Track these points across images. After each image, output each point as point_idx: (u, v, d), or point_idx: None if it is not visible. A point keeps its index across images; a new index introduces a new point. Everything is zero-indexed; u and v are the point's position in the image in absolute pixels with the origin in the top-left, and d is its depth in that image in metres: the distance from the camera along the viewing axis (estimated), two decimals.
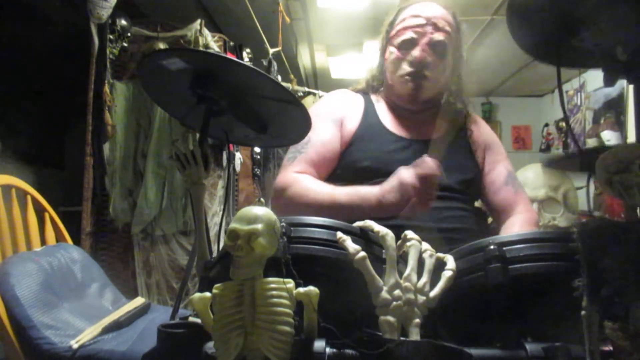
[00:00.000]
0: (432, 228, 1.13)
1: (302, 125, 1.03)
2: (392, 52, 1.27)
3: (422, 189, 0.98)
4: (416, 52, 1.22)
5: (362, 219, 1.08)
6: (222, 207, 2.58)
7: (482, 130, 1.38)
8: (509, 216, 1.27)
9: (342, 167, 1.26)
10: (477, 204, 1.37)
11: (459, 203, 1.22)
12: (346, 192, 1.10)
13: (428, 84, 1.24)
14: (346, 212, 1.09)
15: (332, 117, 1.29)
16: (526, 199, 1.32)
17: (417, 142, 1.26)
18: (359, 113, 1.32)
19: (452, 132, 1.31)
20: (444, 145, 1.11)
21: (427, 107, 1.31)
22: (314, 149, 1.23)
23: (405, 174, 1.00)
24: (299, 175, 1.20)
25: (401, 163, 1.20)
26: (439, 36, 1.22)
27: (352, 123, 1.29)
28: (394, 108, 1.33)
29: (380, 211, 1.03)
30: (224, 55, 0.95)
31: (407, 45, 1.24)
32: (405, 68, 1.24)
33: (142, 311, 1.56)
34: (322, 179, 1.23)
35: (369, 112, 1.32)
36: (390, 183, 1.03)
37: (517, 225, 1.22)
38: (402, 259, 0.65)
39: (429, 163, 0.99)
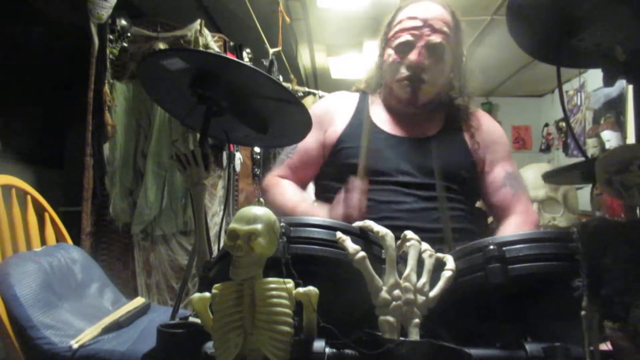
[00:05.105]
0: (431, 228, 1.13)
1: (302, 125, 1.03)
2: (390, 54, 1.27)
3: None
4: (413, 56, 1.21)
5: None
6: (222, 207, 2.58)
7: (484, 128, 1.34)
8: (507, 217, 1.26)
9: (332, 166, 1.29)
10: (478, 204, 1.36)
11: (457, 203, 1.22)
12: (305, 207, 1.19)
13: (426, 88, 1.25)
14: None
15: (316, 123, 1.29)
16: (526, 199, 1.30)
17: (411, 140, 1.26)
18: (348, 113, 1.33)
19: (451, 130, 1.30)
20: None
21: (427, 108, 1.31)
22: (297, 155, 1.32)
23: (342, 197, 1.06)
24: (279, 180, 1.31)
25: (390, 161, 1.22)
26: (435, 38, 1.22)
27: (341, 124, 1.31)
28: (390, 108, 1.34)
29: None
30: (224, 55, 0.95)
31: (404, 48, 1.23)
32: (403, 72, 1.24)
33: (142, 311, 1.56)
34: (304, 182, 1.34)
35: (361, 111, 1.33)
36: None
37: (512, 227, 1.21)
38: (402, 259, 0.65)
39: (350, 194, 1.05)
